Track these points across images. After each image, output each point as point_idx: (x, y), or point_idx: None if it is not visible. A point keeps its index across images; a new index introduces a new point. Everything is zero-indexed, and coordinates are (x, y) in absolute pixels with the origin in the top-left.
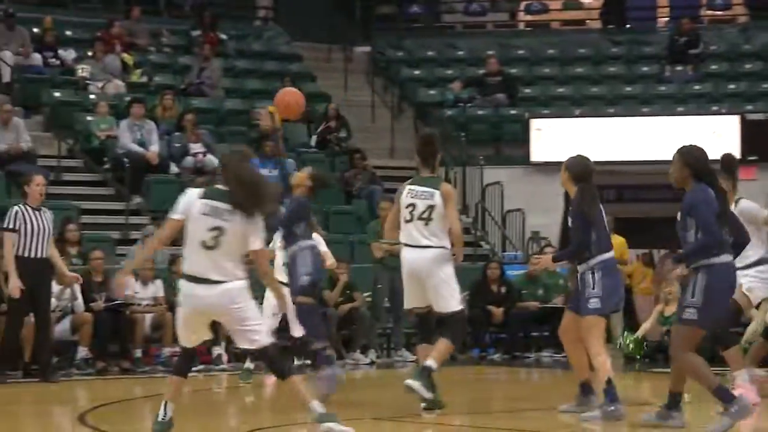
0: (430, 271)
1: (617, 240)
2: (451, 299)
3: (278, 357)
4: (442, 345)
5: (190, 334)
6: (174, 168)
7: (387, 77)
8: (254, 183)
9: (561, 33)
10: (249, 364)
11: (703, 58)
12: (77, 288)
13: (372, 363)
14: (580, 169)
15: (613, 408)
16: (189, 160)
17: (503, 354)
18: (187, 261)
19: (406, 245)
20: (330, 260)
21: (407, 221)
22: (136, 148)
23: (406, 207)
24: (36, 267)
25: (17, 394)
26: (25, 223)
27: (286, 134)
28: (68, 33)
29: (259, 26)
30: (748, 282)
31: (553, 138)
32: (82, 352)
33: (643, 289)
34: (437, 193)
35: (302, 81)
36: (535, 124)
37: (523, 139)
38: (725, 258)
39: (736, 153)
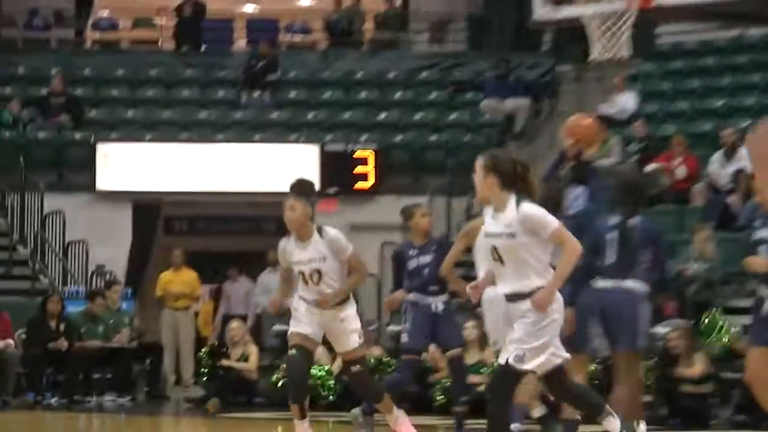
0: None
1: (190, 275)
2: None
3: None
4: None
5: None
6: None
7: None
8: None
9: (131, 53)
10: None
11: (280, 85)
12: None
13: None
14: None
15: None
16: None
17: (60, 398)
18: None
19: None
20: None
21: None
22: None
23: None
24: None
25: None
26: None
27: None
28: None
29: None
30: None
31: (121, 164)
32: None
33: None
34: None
35: None
36: (102, 148)
37: (88, 164)
38: None
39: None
